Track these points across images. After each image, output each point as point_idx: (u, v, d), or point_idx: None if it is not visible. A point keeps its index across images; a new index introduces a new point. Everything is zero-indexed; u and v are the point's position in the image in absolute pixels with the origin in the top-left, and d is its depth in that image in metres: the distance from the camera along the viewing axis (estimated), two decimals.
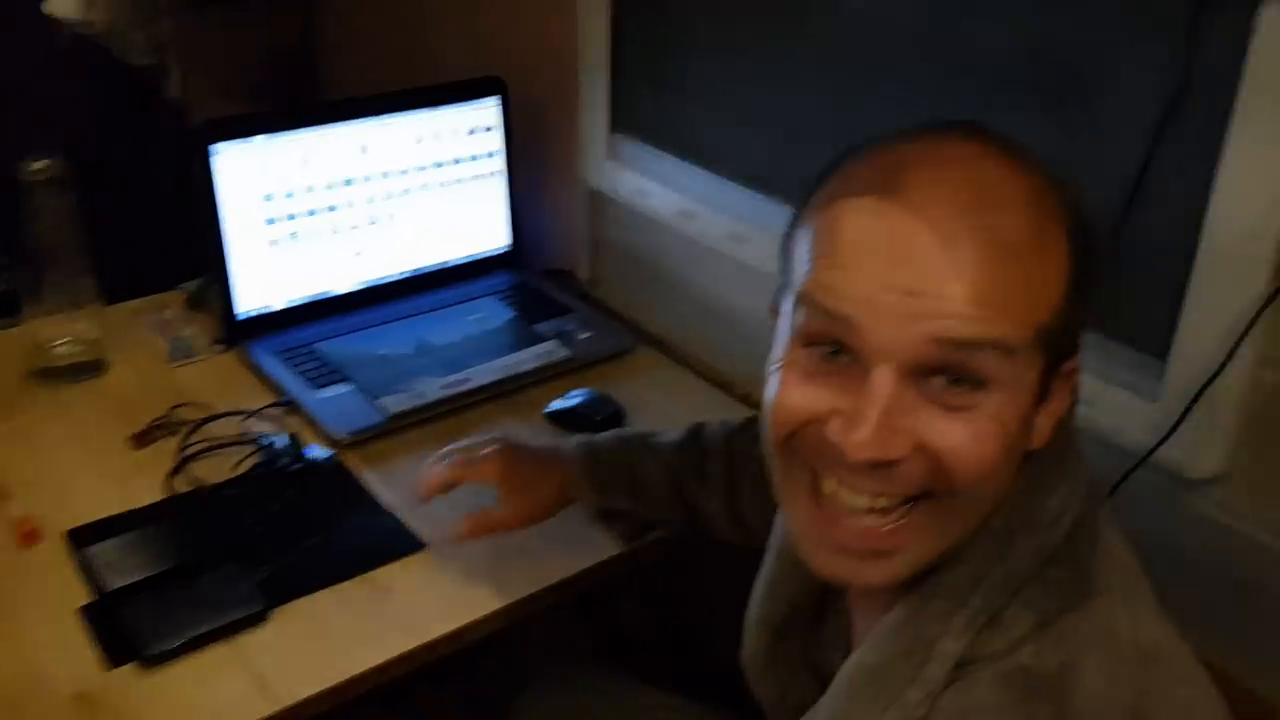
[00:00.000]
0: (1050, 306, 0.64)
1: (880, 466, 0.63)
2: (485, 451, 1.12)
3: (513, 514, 1.11)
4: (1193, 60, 0.94)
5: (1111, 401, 1.07)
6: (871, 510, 0.66)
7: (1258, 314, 0.94)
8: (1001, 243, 0.62)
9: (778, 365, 0.68)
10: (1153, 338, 1.03)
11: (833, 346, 0.64)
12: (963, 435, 0.62)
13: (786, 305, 0.68)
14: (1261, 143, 0.92)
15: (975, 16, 1.13)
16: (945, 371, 0.62)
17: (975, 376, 0.62)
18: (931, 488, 0.64)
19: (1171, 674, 0.67)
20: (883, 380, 0.62)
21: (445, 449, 1.15)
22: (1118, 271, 1.04)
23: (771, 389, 0.68)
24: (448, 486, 1.13)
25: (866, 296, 0.62)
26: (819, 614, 0.85)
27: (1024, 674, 0.63)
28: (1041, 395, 0.66)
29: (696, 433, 1.13)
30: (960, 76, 1.16)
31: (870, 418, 0.61)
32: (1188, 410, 1.00)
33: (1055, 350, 0.65)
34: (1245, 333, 0.95)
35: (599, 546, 1.20)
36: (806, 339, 0.65)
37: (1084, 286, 0.66)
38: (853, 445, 0.62)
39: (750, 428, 1.08)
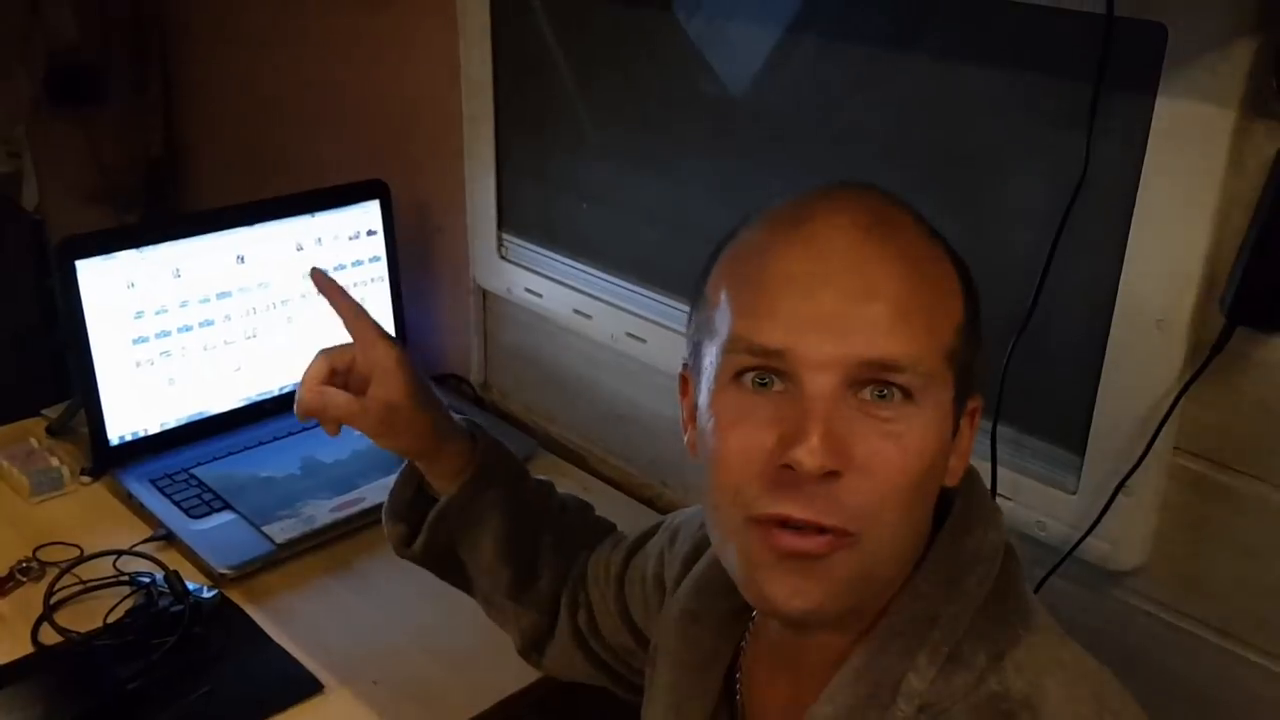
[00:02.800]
0: (954, 326, 0.68)
1: (827, 480, 0.64)
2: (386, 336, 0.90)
3: (371, 414, 0.87)
4: (1094, 147, 0.94)
5: (1031, 495, 1.05)
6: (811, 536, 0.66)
7: (1173, 404, 0.94)
8: (907, 259, 0.66)
9: (711, 421, 0.68)
10: (1068, 432, 1.03)
11: (763, 376, 0.66)
12: (892, 450, 0.64)
13: (710, 359, 0.69)
14: (1165, 232, 0.92)
15: (868, 110, 1.13)
16: (873, 384, 0.65)
17: (902, 389, 0.65)
18: (862, 522, 0.65)
19: (1121, 697, 0.69)
20: (820, 392, 0.64)
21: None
22: (1030, 365, 1.03)
23: (710, 445, 0.68)
24: (329, 367, 0.88)
25: (794, 327, 0.64)
26: None
27: (994, 701, 0.66)
28: (954, 426, 0.69)
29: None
30: (854, 170, 1.15)
31: (817, 427, 0.63)
32: (1109, 503, 0.99)
33: (961, 378, 0.68)
34: (1162, 424, 0.94)
35: (505, 681, 1.14)
36: (735, 374, 0.67)
37: (976, 322, 0.70)
38: (806, 453, 0.62)
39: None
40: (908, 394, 0.65)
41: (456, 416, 0.95)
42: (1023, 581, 0.73)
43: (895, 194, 0.71)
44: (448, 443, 0.92)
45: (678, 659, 0.83)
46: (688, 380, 0.73)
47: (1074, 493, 1.03)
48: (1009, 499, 1.07)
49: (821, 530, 0.64)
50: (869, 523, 0.65)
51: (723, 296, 0.69)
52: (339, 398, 0.87)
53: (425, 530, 0.94)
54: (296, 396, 0.89)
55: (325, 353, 0.89)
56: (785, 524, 0.65)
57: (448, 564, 0.98)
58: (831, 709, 0.69)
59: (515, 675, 1.14)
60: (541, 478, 1.02)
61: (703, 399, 0.69)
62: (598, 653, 0.98)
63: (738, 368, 0.66)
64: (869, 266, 0.65)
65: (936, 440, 0.66)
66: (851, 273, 0.65)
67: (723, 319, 0.68)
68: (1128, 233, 0.94)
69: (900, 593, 0.70)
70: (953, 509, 0.72)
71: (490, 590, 0.98)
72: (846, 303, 0.64)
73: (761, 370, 0.66)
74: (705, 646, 0.82)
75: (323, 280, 0.91)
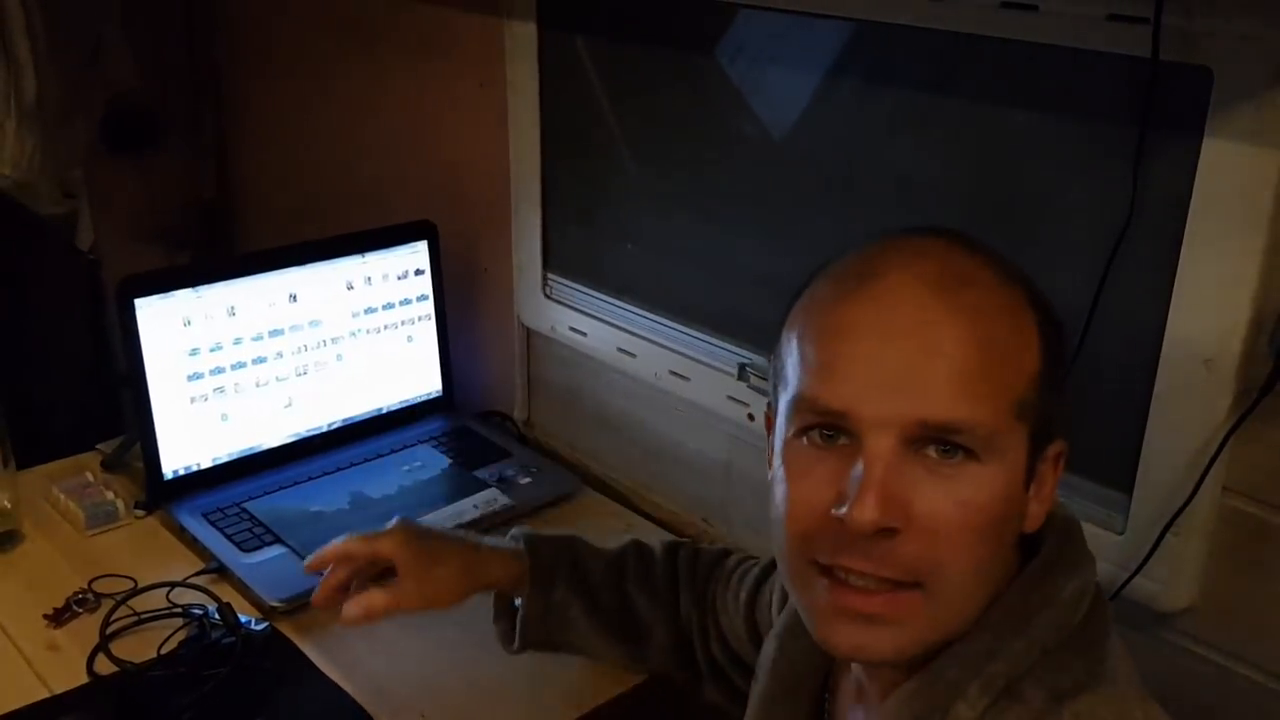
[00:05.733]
0: (1027, 379, 0.67)
1: (883, 536, 0.65)
2: (384, 528, 1.04)
3: (409, 593, 1.01)
4: (1141, 189, 0.95)
5: None
6: (875, 588, 0.68)
7: (1221, 444, 0.94)
8: (975, 316, 0.66)
9: (780, 469, 0.71)
10: (1115, 471, 1.03)
11: (829, 430, 0.68)
12: (953, 508, 0.65)
13: (782, 409, 0.71)
14: (1212, 273, 0.93)
15: (913, 152, 1.15)
16: (936, 443, 0.65)
17: (965, 448, 0.65)
18: (923, 574, 0.66)
19: None
20: (879, 451, 0.65)
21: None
22: (1077, 403, 1.03)
23: (779, 494, 0.71)
24: (344, 578, 1.03)
25: (856, 389, 0.66)
26: None
27: None
28: (1029, 475, 0.69)
29: (639, 543, 1.11)
30: (901, 214, 1.16)
31: (871, 486, 0.64)
32: (1157, 543, 0.99)
33: (1037, 427, 0.68)
34: (1210, 464, 0.94)
35: (552, 715, 1.14)
36: (801, 429, 0.69)
37: (1057, 368, 0.70)
38: (858, 511, 0.64)
39: (690, 548, 1.10)
40: (971, 452, 0.66)
41: (509, 536, 1.08)
42: (1108, 637, 0.72)
43: (970, 237, 0.72)
44: (493, 568, 1.04)
45: (776, 670, 0.85)
46: (770, 419, 0.75)
47: (1121, 532, 1.03)
48: None
49: (882, 581, 0.66)
50: (931, 575, 0.66)
51: (793, 348, 0.71)
52: (379, 601, 1.01)
53: (518, 638, 1.06)
54: (318, 598, 1.05)
55: (342, 565, 1.03)
56: (846, 572, 0.67)
57: (565, 648, 1.08)
58: None
59: (562, 709, 1.14)
60: (605, 547, 1.09)
61: (776, 446, 0.72)
62: (734, 681, 1.03)
63: (804, 425, 0.69)
64: (933, 326, 0.66)
65: (1002, 494, 0.67)
66: (915, 333, 0.66)
67: (792, 372, 0.70)
68: (1175, 273, 0.95)
69: (968, 629, 0.70)
70: (1040, 553, 0.73)
71: (627, 662, 1.08)
72: (908, 364, 0.65)
73: (825, 427, 0.68)
74: (801, 663, 0.84)
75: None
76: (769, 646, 0.87)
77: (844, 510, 0.65)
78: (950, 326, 0.66)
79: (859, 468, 0.65)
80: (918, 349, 0.65)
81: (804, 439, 0.69)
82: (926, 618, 0.68)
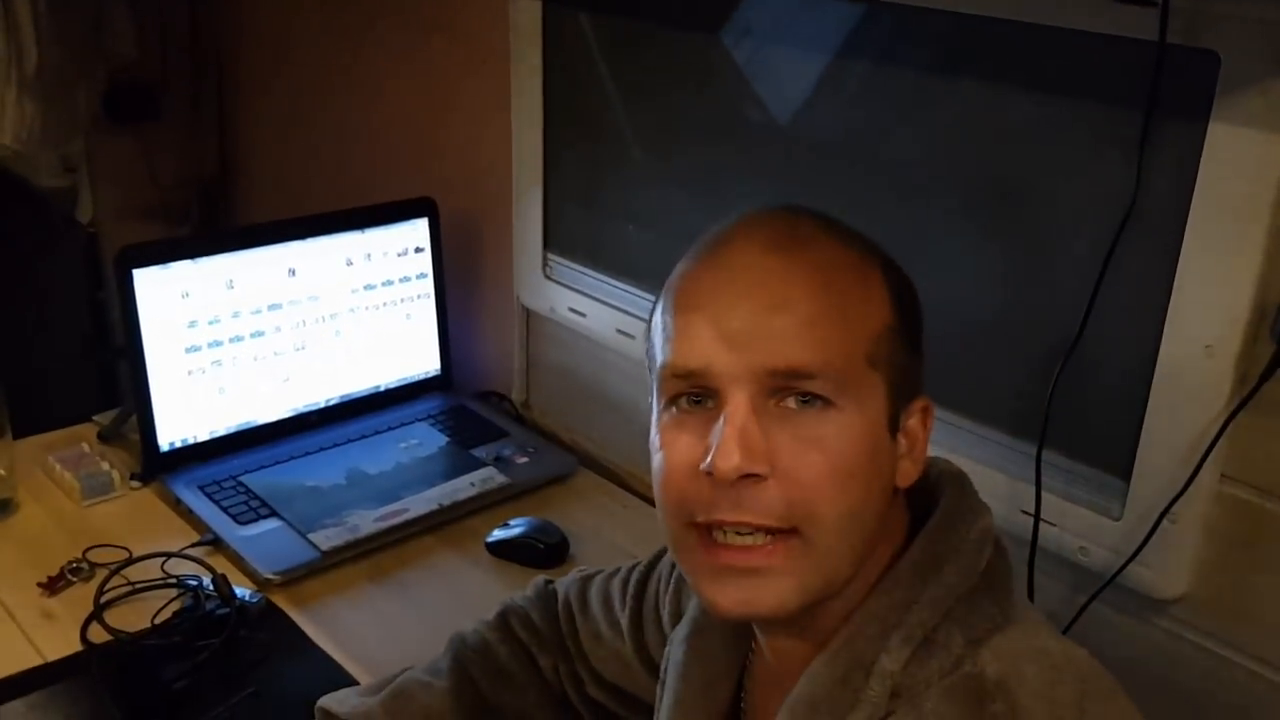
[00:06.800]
0: (877, 329, 0.70)
1: (751, 484, 0.67)
2: None
3: None
4: (1145, 174, 0.95)
5: (1075, 520, 1.05)
6: (753, 543, 0.69)
7: (1220, 431, 0.94)
8: (818, 271, 0.69)
9: (656, 441, 0.72)
10: (1114, 457, 1.03)
11: (695, 395, 0.70)
12: (816, 454, 0.67)
13: (654, 388, 0.73)
14: (1215, 259, 0.93)
15: (916, 136, 1.14)
16: (794, 393, 0.68)
17: (822, 396, 0.68)
18: (798, 519, 0.68)
19: (1108, 687, 0.69)
20: (737, 402, 0.68)
21: None
22: (1076, 390, 1.03)
23: (656, 464, 0.72)
24: None
25: (710, 346, 0.68)
26: None
27: (969, 682, 0.67)
28: (893, 427, 0.71)
29: (464, 638, 1.03)
30: (903, 196, 1.16)
31: (731, 433, 0.67)
32: (1154, 530, 0.99)
33: (895, 380, 0.71)
34: (1208, 451, 0.94)
35: None
36: (671, 399, 0.71)
37: (911, 325, 0.73)
38: (720, 458, 0.66)
39: (517, 611, 1.03)
40: (828, 401, 0.68)
41: None
42: (1010, 579, 0.74)
43: (822, 212, 0.74)
44: None
45: (687, 674, 0.84)
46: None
47: (1118, 518, 1.03)
48: (1052, 524, 1.07)
49: (758, 531, 0.68)
50: (805, 521, 0.68)
51: (656, 325, 0.73)
52: None
53: None
54: None
55: None
56: (723, 529, 0.68)
57: None
58: (807, 690, 0.71)
59: None
60: (436, 668, 1.00)
61: (652, 424, 0.74)
62: (620, 715, 1.00)
63: (671, 394, 0.71)
64: (777, 282, 0.69)
65: (863, 441, 0.69)
66: (760, 288, 0.69)
67: (658, 348, 0.72)
68: (1177, 259, 0.95)
69: (876, 585, 0.72)
70: (937, 508, 0.74)
71: None
72: (756, 317, 0.68)
73: (691, 392, 0.70)
74: (712, 661, 0.83)
75: None
76: (675, 652, 0.85)
77: (709, 461, 0.67)
78: (793, 281, 0.69)
79: (721, 420, 0.68)
80: (764, 304, 0.68)
81: (674, 409, 0.71)
82: (807, 565, 0.69)
